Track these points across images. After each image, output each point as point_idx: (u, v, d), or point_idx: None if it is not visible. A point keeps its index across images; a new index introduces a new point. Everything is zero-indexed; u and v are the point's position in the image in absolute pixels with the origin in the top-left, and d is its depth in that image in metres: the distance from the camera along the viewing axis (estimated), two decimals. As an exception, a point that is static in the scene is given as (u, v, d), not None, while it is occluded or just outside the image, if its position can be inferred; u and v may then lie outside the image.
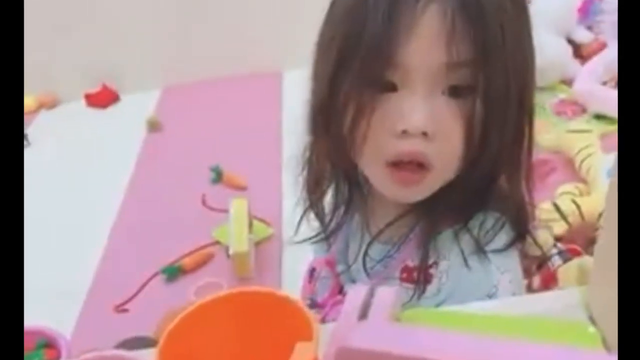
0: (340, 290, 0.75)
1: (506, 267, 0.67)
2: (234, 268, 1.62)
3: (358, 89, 0.60)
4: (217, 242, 1.73)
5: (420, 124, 0.58)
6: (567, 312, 0.57)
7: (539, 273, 1.39)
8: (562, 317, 0.54)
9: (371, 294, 0.51)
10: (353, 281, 0.74)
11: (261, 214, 1.75)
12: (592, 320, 0.54)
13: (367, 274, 0.71)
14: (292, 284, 1.06)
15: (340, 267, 0.76)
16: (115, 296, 1.61)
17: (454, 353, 0.36)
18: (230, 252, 1.60)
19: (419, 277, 0.66)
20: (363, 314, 0.50)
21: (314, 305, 0.75)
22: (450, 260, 0.66)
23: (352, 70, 0.60)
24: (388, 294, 0.51)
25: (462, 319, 0.54)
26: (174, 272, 1.66)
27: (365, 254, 0.71)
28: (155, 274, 1.66)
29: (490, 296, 0.64)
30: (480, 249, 0.66)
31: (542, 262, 1.41)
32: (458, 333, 0.39)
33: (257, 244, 1.70)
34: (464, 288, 0.65)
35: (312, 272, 0.79)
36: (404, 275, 0.68)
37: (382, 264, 0.70)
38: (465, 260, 0.65)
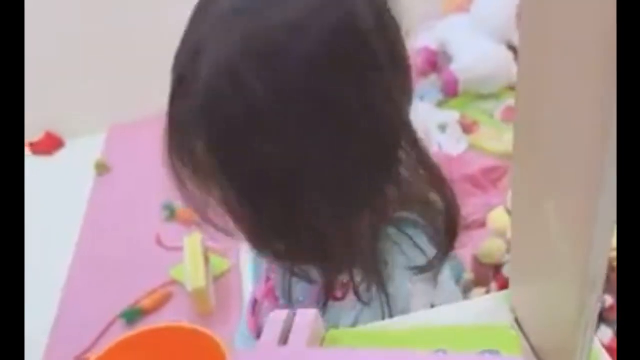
0: None
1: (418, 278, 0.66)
2: (195, 305, 1.59)
3: None
4: (175, 281, 1.71)
5: None
6: (497, 316, 0.57)
7: (496, 280, 1.39)
8: (487, 323, 0.54)
9: (292, 318, 0.50)
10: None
11: (217, 248, 1.74)
12: (518, 322, 0.54)
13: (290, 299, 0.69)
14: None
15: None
16: (75, 345, 1.57)
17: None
18: (189, 289, 1.58)
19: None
20: (284, 339, 0.49)
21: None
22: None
23: None
24: (308, 317, 0.50)
25: (384, 337, 0.53)
26: (133, 315, 1.62)
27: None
28: (115, 319, 1.63)
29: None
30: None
31: (497, 269, 1.42)
32: (367, 351, 0.38)
33: (216, 278, 1.68)
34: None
35: (254, 304, 0.76)
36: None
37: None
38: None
